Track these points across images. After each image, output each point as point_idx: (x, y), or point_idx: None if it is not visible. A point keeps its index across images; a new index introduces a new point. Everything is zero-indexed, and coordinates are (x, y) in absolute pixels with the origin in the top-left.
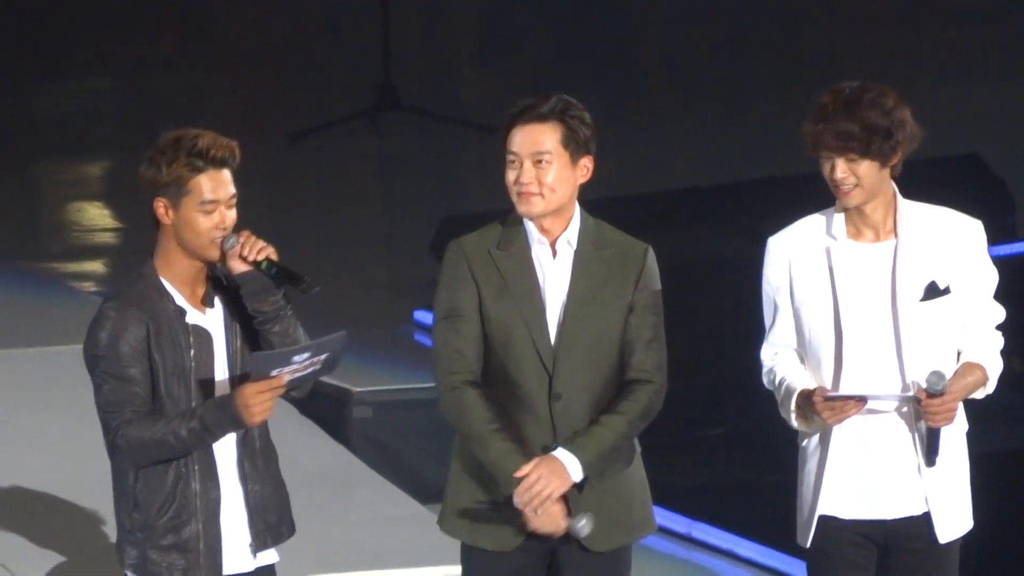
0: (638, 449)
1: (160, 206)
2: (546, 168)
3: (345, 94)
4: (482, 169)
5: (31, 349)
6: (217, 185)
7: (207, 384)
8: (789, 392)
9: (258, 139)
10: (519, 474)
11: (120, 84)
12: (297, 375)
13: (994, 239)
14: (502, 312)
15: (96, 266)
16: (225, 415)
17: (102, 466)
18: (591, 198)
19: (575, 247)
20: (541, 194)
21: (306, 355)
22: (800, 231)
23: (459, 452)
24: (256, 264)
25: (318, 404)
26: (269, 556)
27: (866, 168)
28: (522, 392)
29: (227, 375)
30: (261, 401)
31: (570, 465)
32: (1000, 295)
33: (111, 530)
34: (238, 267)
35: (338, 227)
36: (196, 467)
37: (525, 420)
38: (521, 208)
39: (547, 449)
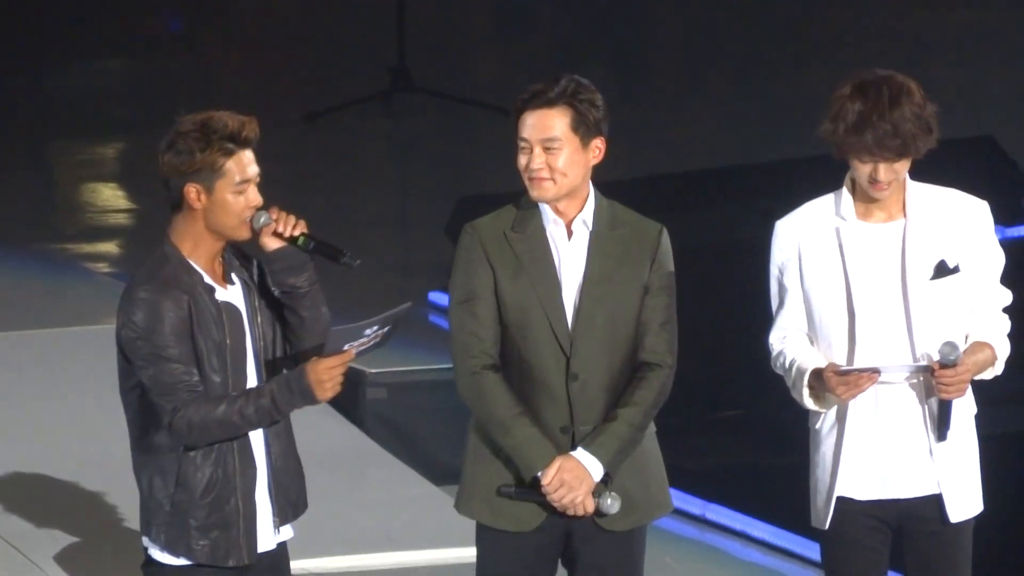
0: (653, 429)
1: (192, 191)
2: (557, 153)
3: (359, 75)
4: (497, 150)
5: (45, 330)
6: (247, 165)
7: (240, 361)
8: (801, 372)
9: (272, 120)
10: (545, 482)
11: (134, 65)
12: (363, 348)
13: (1006, 221)
14: (518, 294)
15: (110, 247)
16: (297, 392)
17: (119, 447)
18: (606, 180)
19: (590, 228)
20: (552, 179)
21: (375, 328)
22: (808, 213)
23: (476, 433)
24: (292, 240)
25: None
26: (286, 532)
27: (904, 164)
28: (539, 374)
29: (252, 351)
30: (334, 376)
31: (591, 466)
32: (1011, 277)
33: (129, 510)
34: (272, 244)
35: (352, 209)
36: (235, 444)
37: (542, 402)
38: (533, 193)
39: (565, 431)
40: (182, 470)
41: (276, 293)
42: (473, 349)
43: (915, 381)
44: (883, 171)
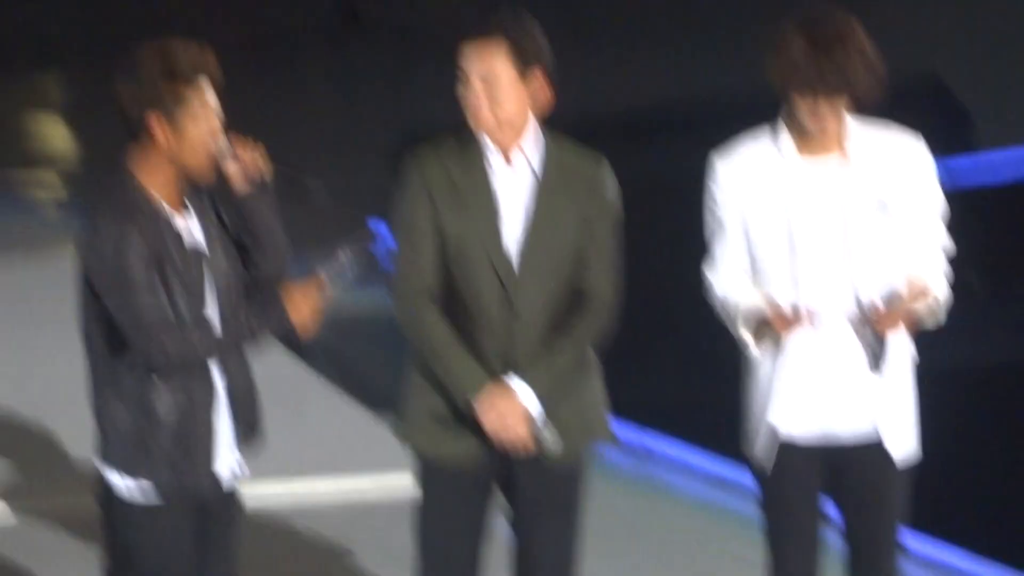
0: (594, 359)
1: (153, 121)
2: (495, 85)
3: (306, 5)
4: (441, 83)
5: None
6: (208, 93)
7: (199, 290)
8: (739, 308)
9: (218, 53)
10: (481, 413)
11: None
12: (336, 274)
13: (949, 154)
14: (458, 225)
15: (50, 176)
16: (273, 317)
17: (62, 369)
18: (552, 116)
19: (531, 160)
20: (491, 111)
21: (350, 254)
22: (747, 148)
23: (416, 363)
24: (257, 168)
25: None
26: (243, 465)
27: (842, 103)
28: (478, 306)
29: (210, 280)
30: (310, 302)
31: (527, 397)
32: (959, 218)
33: (74, 439)
34: (234, 172)
35: (298, 139)
36: (196, 370)
37: (481, 334)
38: (473, 124)
39: (503, 362)
40: (146, 397)
41: (235, 220)
42: (413, 279)
43: (854, 316)
44: (824, 107)
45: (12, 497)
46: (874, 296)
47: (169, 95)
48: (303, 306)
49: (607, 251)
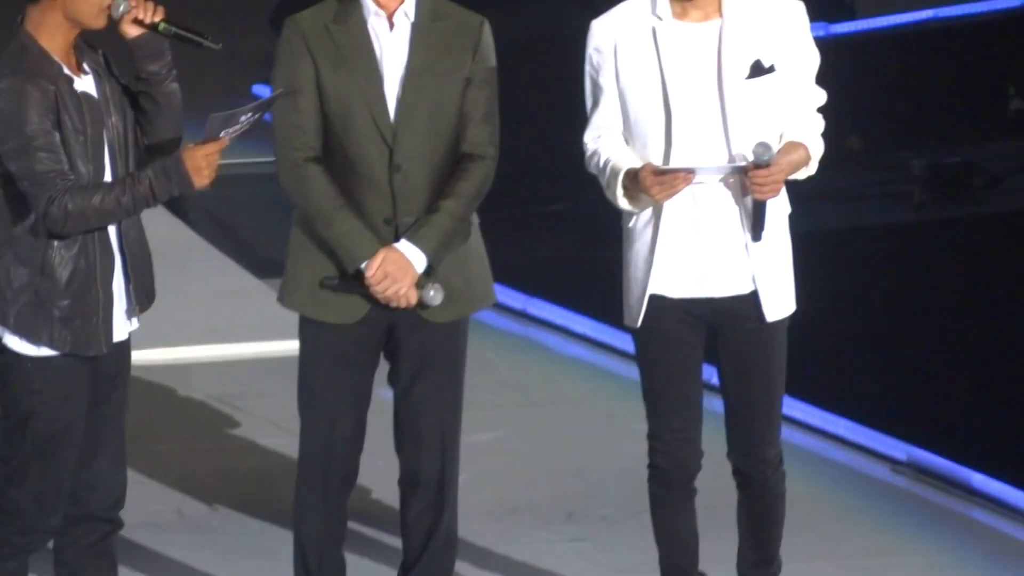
0: (476, 222)
1: None
2: None
3: None
4: None
5: None
6: None
7: (98, 151)
8: (615, 171)
9: None
10: (369, 274)
11: None
12: (236, 133)
13: (831, 17)
14: (339, 86)
15: None
16: (175, 179)
17: None
18: None
19: (412, 20)
20: None
21: (249, 115)
22: (624, 12)
23: (299, 226)
24: (153, 27)
25: None
26: (134, 323)
27: None
28: (362, 166)
29: (107, 141)
30: (211, 162)
31: (414, 258)
32: (836, 74)
33: None
34: (132, 31)
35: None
36: (95, 234)
37: (366, 194)
38: None
39: (388, 223)
40: (46, 259)
41: (132, 81)
42: (295, 141)
43: (731, 180)
44: None
45: None
46: (749, 156)
47: None
48: (204, 169)
49: (488, 111)
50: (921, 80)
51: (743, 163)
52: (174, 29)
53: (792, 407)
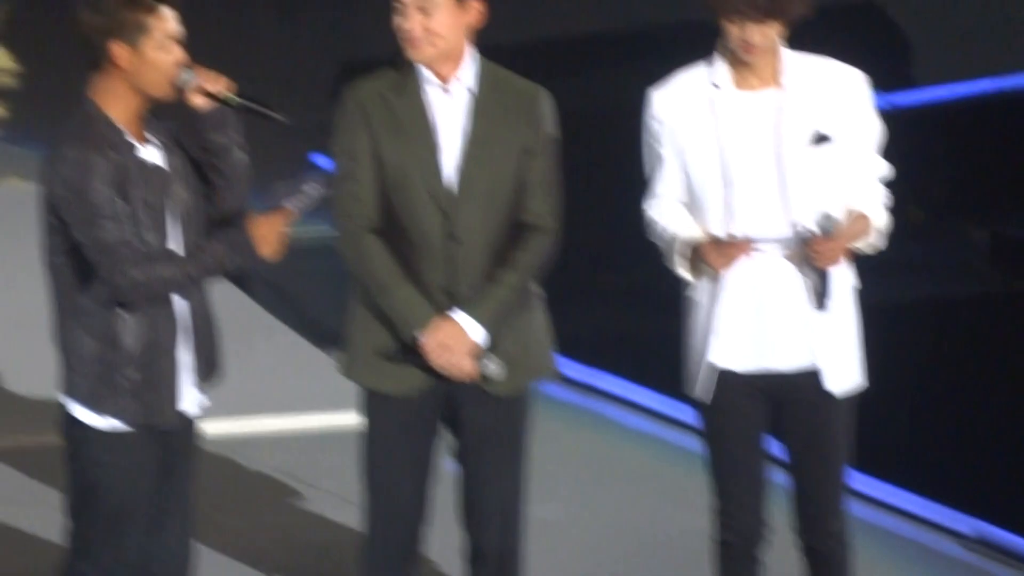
0: (538, 293)
1: (117, 49)
2: (431, 13)
3: None
4: (383, 14)
5: None
6: (171, 21)
7: (161, 221)
8: (676, 241)
9: None
10: (425, 345)
11: None
12: (301, 205)
13: (891, 87)
14: (397, 155)
15: None
16: (243, 251)
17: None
18: (491, 43)
19: (470, 89)
20: (428, 40)
21: (312, 185)
22: (683, 82)
23: (359, 297)
24: (221, 98)
25: None
26: (202, 400)
27: (774, 28)
28: (419, 236)
29: (172, 211)
30: (278, 234)
31: (471, 328)
32: (897, 145)
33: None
34: (199, 102)
35: (238, 69)
36: (162, 303)
37: (423, 264)
38: (410, 54)
39: (445, 293)
40: (114, 329)
41: (198, 152)
42: (353, 211)
43: (791, 251)
44: (751, 32)
45: None
46: (810, 225)
47: (132, 24)
48: (271, 239)
49: (547, 181)
50: (984, 150)
51: (805, 233)
52: (242, 101)
53: (861, 482)
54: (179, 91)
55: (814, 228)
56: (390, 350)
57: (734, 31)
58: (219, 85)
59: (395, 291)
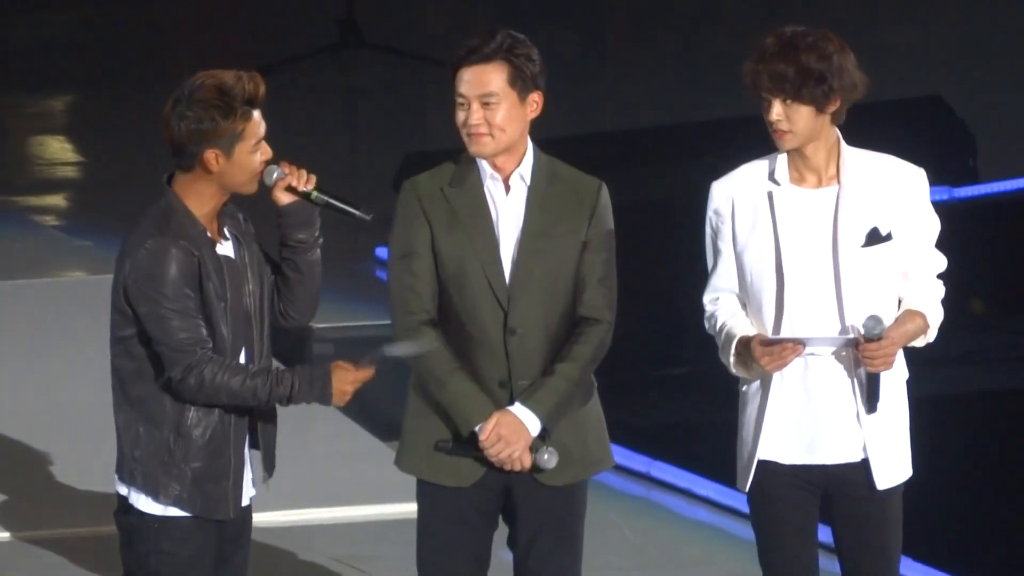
0: (594, 383)
1: (212, 156)
2: (495, 109)
3: (309, 29)
4: (446, 105)
5: None
6: (261, 123)
7: (240, 317)
8: (729, 338)
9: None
10: (483, 438)
11: (83, 17)
12: (381, 367)
13: (954, 181)
14: (454, 248)
15: (58, 200)
16: (317, 391)
17: (71, 397)
18: (550, 136)
19: (528, 183)
20: (491, 135)
21: (397, 353)
22: (743, 176)
23: (416, 389)
24: (306, 195)
25: (279, 340)
26: (256, 488)
27: (801, 112)
28: (477, 329)
29: (246, 306)
30: (356, 389)
31: (528, 421)
32: (960, 238)
33: (86, 458)
34: (285, 199)
35: (302, 163)
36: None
37: (480, 357)
38: (472, 149)
39: (503, 386)
40: (183, 419)
41: (273, 247)
42: (411, 304)
43: (843, 352)
44: (775, 110)
45: (19, 527)
46: (861, 326)
47: (229, 132)
48: (349, 393)
49: (605, 274)
50: None
51: (853, 336)
52: (326, 198)
53: (915, 570)
54: (265, 187)
55: (863, 331)
56: (446, 443)
57: (764, 109)
58: (304, 181)
59: (452, 384)
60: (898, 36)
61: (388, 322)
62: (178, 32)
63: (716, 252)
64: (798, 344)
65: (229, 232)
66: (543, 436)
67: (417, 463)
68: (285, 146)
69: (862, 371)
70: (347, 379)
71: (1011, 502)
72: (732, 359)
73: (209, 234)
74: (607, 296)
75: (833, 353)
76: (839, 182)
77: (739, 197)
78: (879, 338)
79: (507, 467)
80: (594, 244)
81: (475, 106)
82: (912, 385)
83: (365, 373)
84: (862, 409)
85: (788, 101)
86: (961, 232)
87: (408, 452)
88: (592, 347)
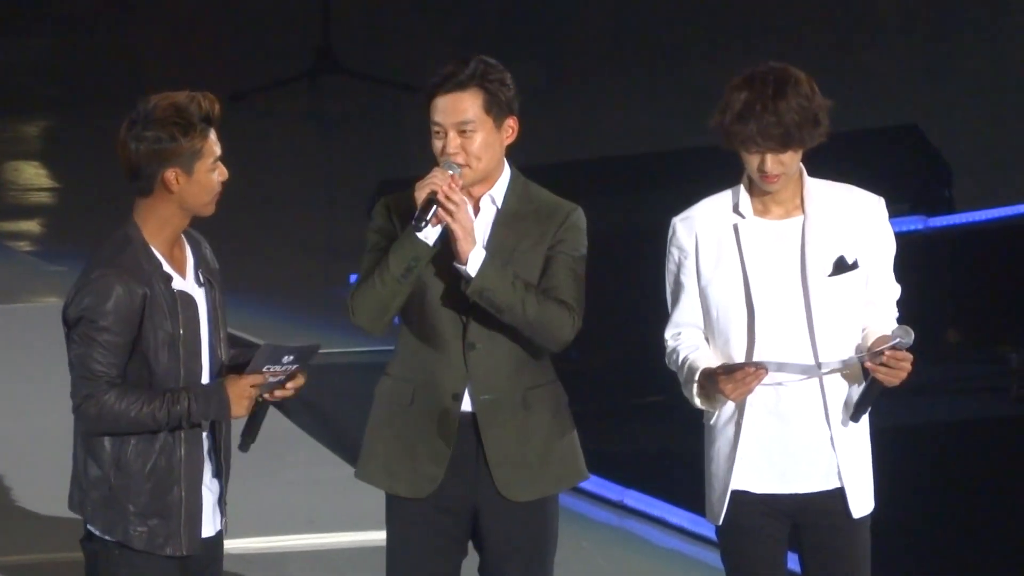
0: (565, 399)
1: (172, 176)
2: (472, 137)
3: (285, 56)
4: (422, 132)
5: None
6: (217, 142)
7: (194, 351)
8: (692, 371)
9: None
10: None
11: (57, 42)
12: (274, 378)
13: (930, 211)
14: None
15: (32, 226)
16: (215, 404)
17: (39, 423)
18: (524, 165)
19: (499, 204)
20: (468, 164)
21: (291, 358)
22: (705, 210)
23: (378, 399)
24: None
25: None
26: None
27: (795, 156)
28: (437, 340)
29: (208, 342)
30: (252, 395)
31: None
32: (935, 268)
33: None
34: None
35: (277, 189)
36: (183, 434)
37: (439, 367)
38: None
39: (456, 399)
40: (120, 455)
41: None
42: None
43: (814, 378)
44: (770, 162)
45: None
46: (891, 333)
47: (188, 149)
48: (245, 399)
49: (573, 279)
50: (1019, 273)
51: (813, 364)
52: (267, 406)
53: None
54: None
55: (894, 340)
56: (401, 446)
57: (752, 161)
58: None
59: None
60: (875, 64)
61: (363, 348)
62: (153, 58)
63: (678, 287)
64: (760, 368)
65: (199, 274)
66: (468, 280)
67: (375, 472)
68: (261, 172)
69: (854, 388)
70: (241, 385)
71: (981, 534)
72: (695, 390)
73: (167, 267)
74: (576, 290)
75: (804, 380)
76: (804, 212)
77: (703, 232)
78: (907, 348)
79: (425, 189)
80: (558, 253)
81: (452, 134)
82: (888, 416)
83: (257, 377)
84: (847, 418)
85: (781, 151)
86: (936, 261)
87: (366, 461)
88: (555, 309)
